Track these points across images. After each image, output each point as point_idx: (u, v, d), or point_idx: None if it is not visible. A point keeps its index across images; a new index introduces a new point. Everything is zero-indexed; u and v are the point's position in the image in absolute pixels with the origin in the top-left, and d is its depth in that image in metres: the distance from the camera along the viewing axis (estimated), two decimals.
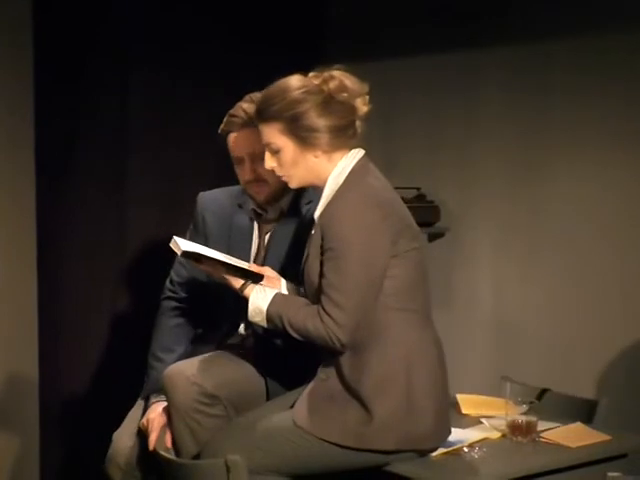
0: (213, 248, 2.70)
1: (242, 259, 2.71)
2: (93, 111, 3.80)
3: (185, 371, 2.72)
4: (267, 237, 2.90)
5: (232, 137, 2.84)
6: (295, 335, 2.52)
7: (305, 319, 2.49)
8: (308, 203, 2.85)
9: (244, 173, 2.84)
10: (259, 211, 2.91)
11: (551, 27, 3.63)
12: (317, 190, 2.63)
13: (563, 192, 3.73)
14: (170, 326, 2.99)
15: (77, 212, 3.84)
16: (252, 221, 2.92)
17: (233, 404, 2.70)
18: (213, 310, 2.94)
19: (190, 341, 2.99)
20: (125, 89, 3.81)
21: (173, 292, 3.02)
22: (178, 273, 3.01)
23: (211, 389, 2.68)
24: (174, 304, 3.01)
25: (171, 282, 3.03)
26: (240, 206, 2.93)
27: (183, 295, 3.00)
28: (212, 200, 2.99)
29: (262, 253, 2.88)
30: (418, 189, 3.97)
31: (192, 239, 2.82)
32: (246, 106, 2.80)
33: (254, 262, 2.83)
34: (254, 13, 4.01)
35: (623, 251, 3.54)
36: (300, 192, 2.85)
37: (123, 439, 2.89)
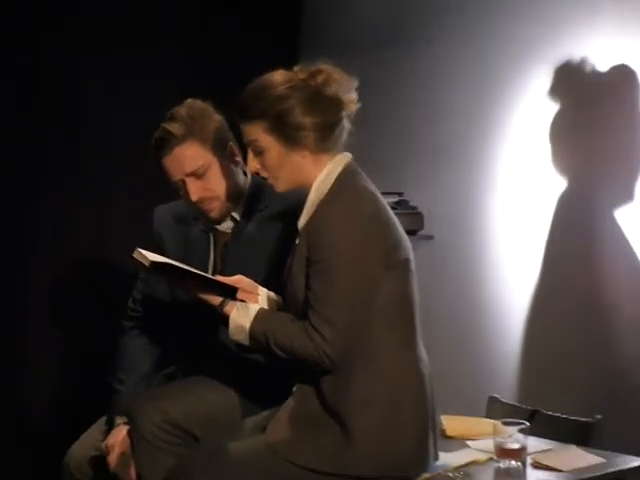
0: None
1: None
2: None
3: (154, 398, 2.68)
4: (222, 248, 2.85)
5: (165, 162, 2.77)
6: (281, 354, 2.43)
7: (292, 337, 2.41)
8: (264, 209, 2.80)
9: (188, 195, 2.77)
10: (211, 225, 2.85)
11: None
12: (273, 194, 2.59)
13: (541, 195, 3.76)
14: (131, 345, 2.92)
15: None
16: (207, 233, 2.86)
17: (203, 434, 2.64)
18: (178, 327, 2.87)
19: (154, 360, 2.91)
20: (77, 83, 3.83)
21: (134, 311, 2.95)
22: (140, 291, 2.95)
23: (178, 419, 2.63)
24: (136, 324, 2.95)
25: (133, 301, 2.96)
26: (196, 219, 2.87)
27: (145, 314, 2.92)
28: (168, 214, 2.93)
29: (219, 266, 2.82)
30: (400, 194, 3.94)
31: None
32: (168, 125, 2.73)
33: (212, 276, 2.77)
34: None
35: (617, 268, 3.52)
36: (254, 197, 2.81)
37: (79, 449, 2.86)
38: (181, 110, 2.76)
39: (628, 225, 3.45)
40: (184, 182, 2.75)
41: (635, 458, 2.67)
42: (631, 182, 3.42)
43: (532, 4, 3.65)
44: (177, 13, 4.01)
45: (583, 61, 3.51)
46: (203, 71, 3.94)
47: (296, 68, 2.50)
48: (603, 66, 3.50)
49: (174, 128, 2.71)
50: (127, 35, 3.89)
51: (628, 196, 3.43)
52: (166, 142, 2.72)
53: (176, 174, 2.75)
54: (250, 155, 2.51)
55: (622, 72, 3.43)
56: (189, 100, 2.80)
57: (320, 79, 2.45)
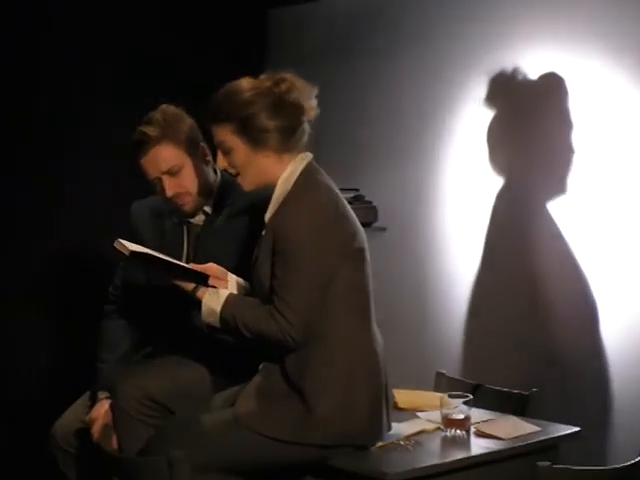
0: None
1: None
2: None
3: (133, 375, 2.79)
4: (195, 239, 2.96)
5: (143, 162, 2.89)
6: (248, 335, 2.54)
7: (259, 320, 2.51)
8: (232, 203, 2.92)
9: (164, 191, 2.89)
10: (184, 219, 2.98)
11: None
12: (241, 191, 2.69)
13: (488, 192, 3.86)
14: (112, 327, 3.04)
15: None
16: (181, 226, 2.98)
17: (178, 407, 2.76)
18: (155, 311, 2.98)
19: (133, 340, 3.03)
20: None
21: (115, 296, 3.07)
22: (120, 278, 3.07)
23: (155, 394, 2.75)
24: (116, 307, 3.06)
25: (114, 287, 3.08)
26: (171, 212, 2.99)
27: (125, 298, 3.04)
28: (144, 208, 3.05)
29: (192, 255, 2.93)
30: (356, 190, 4.00)
31: None
32: (145, 128, 2.86)
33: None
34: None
35: (551, 249, 3.64)
36: (224, 193, 2.93)
37: (65, 422, 2.97)
38: (156, 114, 2.88)
39: (559, 215, 3.58)
40: (160, 179, 2.88)
41: (567, 427, 2.81)
42: (563, 178, 3.55)
43: (473, 19, 3.79)
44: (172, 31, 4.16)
45: (517, 69, 3.65)
46: (184, 75, 4.06)
47: (262, 76, 2.61)
48: (536, 74, 3.63)
49: (150, 131, 2.84)
50: (113, 36, 4.00)
51: (560, 189, 3.57)
52: (143, 144, 2.85)
53: (153, 172, 2.88)
54: (219, 155, 2.62)
55: (553, 80, 3.56)
56: (163, 105, 2.92)
57: (284, 86, 2.56)
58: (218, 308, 2.58)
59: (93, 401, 2.95)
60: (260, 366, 2.62)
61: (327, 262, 2.51)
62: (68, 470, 2.98)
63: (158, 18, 4.13)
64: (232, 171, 2.65)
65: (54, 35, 3.87)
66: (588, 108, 3.53)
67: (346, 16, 4.26)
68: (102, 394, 2.91)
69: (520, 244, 3.68)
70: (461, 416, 2.66)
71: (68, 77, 3.92)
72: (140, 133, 2.86)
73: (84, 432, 2.91)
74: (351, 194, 3.89)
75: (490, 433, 2.70)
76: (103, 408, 2.87)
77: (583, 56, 3.51)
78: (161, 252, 2.72)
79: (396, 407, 2.93)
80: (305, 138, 2.63)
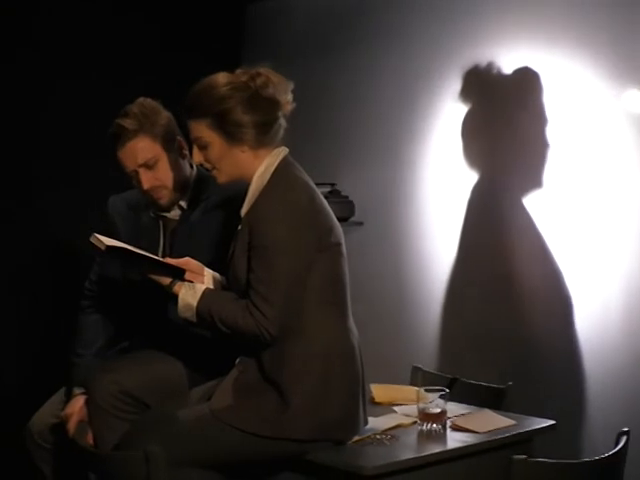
0: None
1: None
2: None
3: (108, 370, 2.79)
4: (171, 233, 2.98)
5: (119, 154, 2.90)
6: (225, 329, 2.54)
7: (235, 314, 2.52)
8: (206, 198, 2.94)
9: (140, 184, 2.91)
10: (160, 213, 2.99)
11: None
12: (216, 185, 2.71)
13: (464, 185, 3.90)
14: (88, 322, 3.05)
15: None
16: (157, 220, 2.99)
17: (154, 402, 2.77)
18: (131, 306, 2.99)
19: (109, 335, 3.04)
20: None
21: (91, 291, 3.09)
22: (96, 272, 3.08)
23: (131, 389, 2.75)
24: (92, 303, 3.08)
25: (89, 282, 3.09)
26: (148, 206, 3.00)
27: (101, 293, 3.05)
28: (121, 203, 3.06)
29: (168, 249, 2.95)
30: (333, 185, 4.02)
31: None
32: (122, 121, 2.88)
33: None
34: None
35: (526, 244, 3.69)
36: (200, 188, 2.95)
37: (40, 417, 2.98)
38: (133, 107, 2.89)
39: (535, 209, 3.63)
40: (137, 172, 2.89)
41: (541, 420, 2.84)
42: (538, 172, 3.60)
43: (453, 15, 3.84)
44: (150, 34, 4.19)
45: (495, 66, 3.69)
46: (161, 70, 4.10)
47: (238, 71, 2.62)
48: (513, 70, 3.68)
49: (127, 123, 2.85)
50: (92, 34, 4.03)
51: (536, 183, 3.60)
52: (120, 136, 2.86)
53: (129, 165, 2.89)
54: (195, 149, 2.64)
55: (529, 76, 3.60)
56: (141, 98, 2.93)
57: (259, 81, 2.57)
58: (194, 303, 2.58)
59: (68, 397, 2.95)
60: (237, 360, 2.62)
61: (303, 257, 2.52)
62: (44, 466, 2.98)
63: (135, 13, 4.15)
64: (208, 166, 2.66)
65: (36, 34, 3.90)
66: (563, 104, 3.56)
67: (325, 11, 4.28)
68: (77, 390, 2.91)
69: (496, 238, 3.72)
70: (437, 410, 2.68)
71: (50, 78, 3.95)
72: (117, 126, 2.87)
73: (60, 428, 2.92)
74: (327, 189, 3.92)
75: (466, 427, 2.72)
76: (78, 404, 2.87)
77: (559, 54, 3.55)
78: (137, 246, 2.72)
79: (372, 401, 2.96)
80: (281, 133, 2.64)
